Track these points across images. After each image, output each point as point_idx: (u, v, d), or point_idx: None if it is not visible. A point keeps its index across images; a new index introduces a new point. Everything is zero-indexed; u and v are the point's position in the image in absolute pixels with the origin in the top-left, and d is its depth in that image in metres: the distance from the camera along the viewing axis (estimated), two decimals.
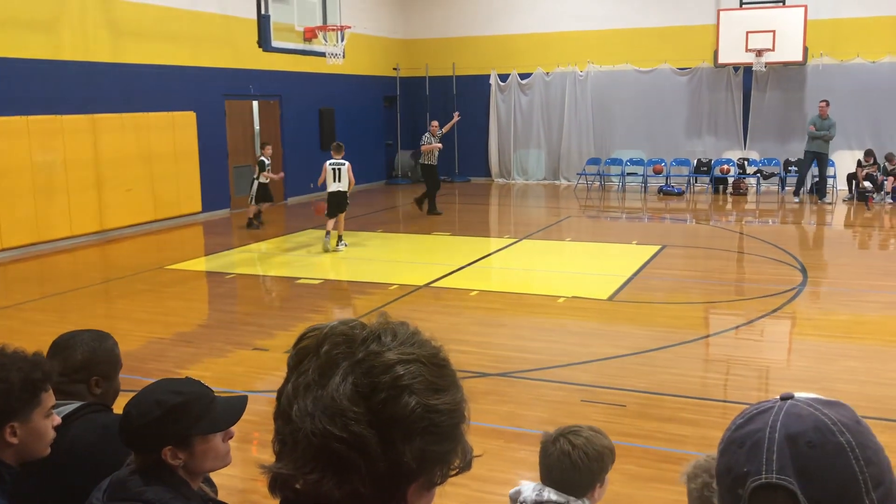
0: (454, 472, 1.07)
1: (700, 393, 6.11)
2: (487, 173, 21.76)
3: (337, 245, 11.96)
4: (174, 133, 14.48)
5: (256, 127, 17.54)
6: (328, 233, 11.92)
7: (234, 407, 2.14)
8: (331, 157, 12.23)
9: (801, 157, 17.19)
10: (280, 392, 1.05)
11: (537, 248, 12.54)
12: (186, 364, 6.83)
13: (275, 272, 11.33)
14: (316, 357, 1.03)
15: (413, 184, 21.14)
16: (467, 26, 21.24)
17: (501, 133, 21.48)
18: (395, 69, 21.81)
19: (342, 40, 13.47)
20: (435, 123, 15.98)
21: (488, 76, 21.30)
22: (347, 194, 12.11)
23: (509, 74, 21.16)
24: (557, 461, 2.47)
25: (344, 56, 13.63)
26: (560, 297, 9.02)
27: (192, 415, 2.04)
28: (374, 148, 21.15)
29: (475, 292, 9.37)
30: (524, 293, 9.58)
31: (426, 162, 15.65)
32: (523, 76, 21.09)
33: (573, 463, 2.44)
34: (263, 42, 11.87)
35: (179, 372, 6.27)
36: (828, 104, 16.65)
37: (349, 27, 13.60)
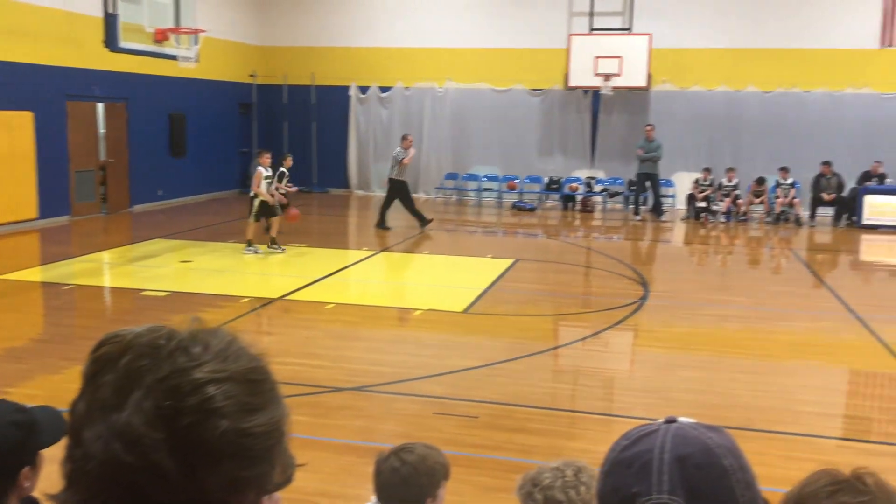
0: (272, 489, 0.96)
1: (549, 403, 6.29)
2: (346, 185, 21.64)
3: (270, 247, 12.13)
4: (9, 134, 13.50)
5: (101, 130, 16.64)
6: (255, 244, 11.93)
7: (55, 415, 1.99)
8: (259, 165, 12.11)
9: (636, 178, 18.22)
10: (73, 407, 0.92)
11: (395, 260, 12.57)
12: (15, 383, 6.34)
13: (117, 283, 10.75)
14: (114, 369, 0.91)
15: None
16: (328, 36, 21.10)
17: (361, 145, 21.43)
18: (251, 76, 21.33)
19: (196, 44, 13.06)
20: (410, 138, 15.68)
21: (348, 88, 21.22)
22: (254, 203, 12.05)
23: (369, 87, 21.17)
24: (388, 478, 2.53)
25: (197, 60, 13.21)
26: (416, 309, 9.06)
27: (42, 429, 1.91)
28: (228, 156, 20.58)
29: (331, 305, 9.25)
30: (381, 306, 9.56)
31: (397, 177, 15.30)
32: (383, 89, 21.16)
33: (403, 479, 2.50)
34: (110, 42, 11.32)
35: (6, 391, 5.80)
36: (653, 128, 17.80)
37: (203, 31, 13.21)
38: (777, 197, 17.79)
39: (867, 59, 18.38)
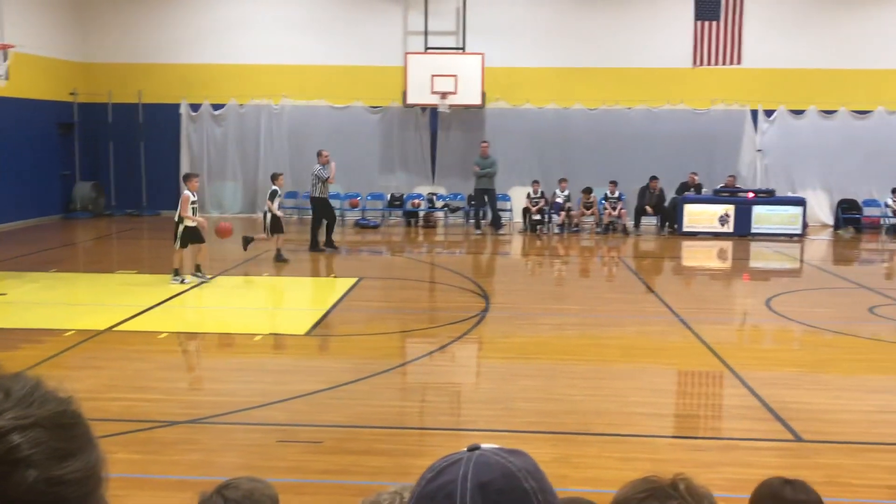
0: None
1: (396, 422, 6.24)
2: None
3: (195, 274, 11.68)
4: None
5: None
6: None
7: None
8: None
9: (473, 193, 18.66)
10: None
11: (233, 284, 12.14)
12: None
13: None
14: None
15: (94, 217, 19.51)
16: (156, 52, 20.21)
17: (194, 164, 20.61)
18: (72, 94, 20.05)
19: (5, 59, 12.10)
20: (326, 153, 15.17)
21: (178, 105, 20.41)
22: (179, 227, 11.58)
23: (201, 105, 20.46)
24: None
25: (7, 77, 12.24)
26: (256, 334, 8.77)
27: None
28: (47, 179, 19.20)
29: (164, 334, 8.79)
30: (218, 333, 9.18)
31: (319, 195, 14.85)
32: (216, 107, 20.52)
33: None
34: None
35: None
36: (488, 144, 18.38)
37: (12, 46, 12.26)
38: (605, 209, 18.74)
39: (681, 78, 19.76)
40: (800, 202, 18.25)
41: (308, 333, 8.91)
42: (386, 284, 12.42)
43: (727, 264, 15.37)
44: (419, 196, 19.94)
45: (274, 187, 13.65)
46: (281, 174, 14.53)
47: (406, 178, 20.50)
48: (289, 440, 5.70)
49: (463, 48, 19.85)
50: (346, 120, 20.30)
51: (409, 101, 19.49)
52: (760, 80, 19.87)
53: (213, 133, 20.63)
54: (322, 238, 15.13)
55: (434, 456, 4.54)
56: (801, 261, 15.79)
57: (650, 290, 11.96)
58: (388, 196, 20.07)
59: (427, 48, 19.86)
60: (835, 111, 20.06)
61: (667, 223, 18.65)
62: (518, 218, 19.17)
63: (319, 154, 15.30)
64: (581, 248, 16.94)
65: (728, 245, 16.90)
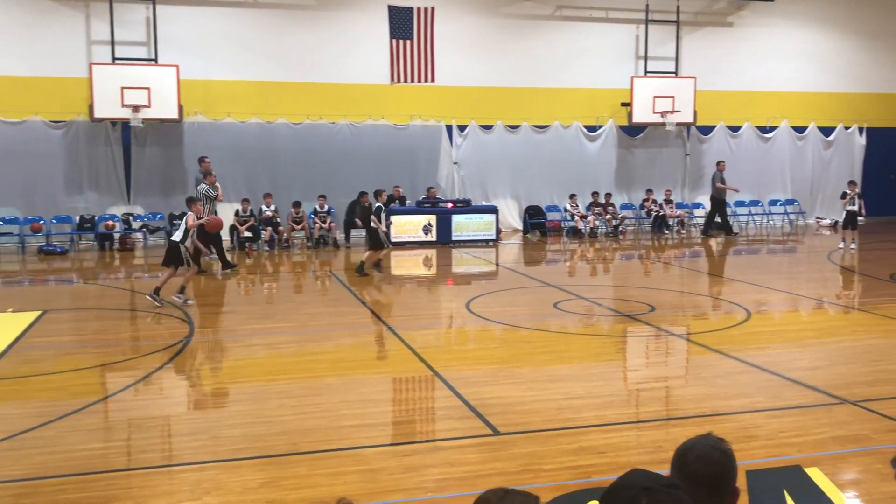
0: None
1: (85, 467, 5.64)
2: None
3: (178, 295, 11.51)
4: None
5: None
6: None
7: None
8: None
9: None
10: None
11: None
12: None
13: None
14: None
15: None
16: None
17: None
18: None
19: None
20: (212, 170, 14.83)
21: None
22: (182, 245, 11.62)
23: None
24: None
25: None
26: None
27: None
28: None
29: None
30: None
31: (207, 215, 13.88)
32: None
33: None
34: None
35: None
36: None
37: None
38: (315, 223, 18.77)
39: (381, 94, 20.40)
40: (493, 210, 19.69)
41: None
42: (77, 316, 11.32)
43: (432, 271, 16.10)
44: (114, 217, 18.53)
45: (378, 203, 14.38)
46: (384, 191, 15.05)
47: (97, 199, 18.94)
48: None
49: (155, 59, 18.81)
50: (23, 136, 18.31)
51: (97, 114, 18.06)
52: (453, 98, 21.14)
53: None
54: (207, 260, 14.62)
55: (134, 499, 4.17)
56: (497, 264, 17.02)
57: (363, 302, 12.15)
58: (77, 218, 18.40)
59: (115, 59, 18.53)
60: (518, 126, 21.92)
61: None
62: (226, 236, 18.54)
63: (208, 173, 14.95)
64: (292, 263, 16.79)
65: (432, 253, 17.74)
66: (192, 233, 11.96)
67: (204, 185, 14.83)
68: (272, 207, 18.53)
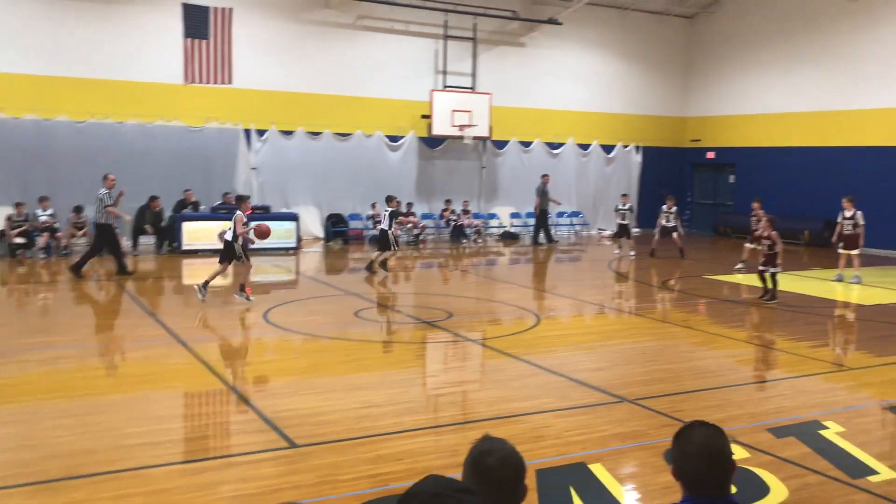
0: None
1: None
2: None
3: (239, 293, 12.11)
4: None
5: None
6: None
7: None
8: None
9: None
10: None
11: None
12: None
13: None
14: None
15: None
16: None
17: None
18: None
19: None
20: (112, 176, 14.32)
21: None
22: (235, 245, 12.14)
23: None
24: None
25: None
26: None
27: None
28: None
29: None
30: None
31: (105, 221, 14.22)
32: None
33: None
34: None
35: None
36: None
37: None
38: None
39: (174, 94, 19.45)
40: (293, 217, 19.36)
41: None
42: None
43: (227, 281, 15.51)
44: None
45: (390, 209, 15.45)
46: (395, 197, 16.12)
47: None
48: None
49: None
50: None
51: None
52: (252, 101, 20.59)
53: None
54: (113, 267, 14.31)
55: None
56: (297, 273, 16.74)
57: (152, 314, 11.47)
58: None
59: None
60: (321, 133, 21.74)
61: (165, 242, 18.19)
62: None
63: (105, 178, 14.44)
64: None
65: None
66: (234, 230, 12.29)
67: (103, 190, 14.29)
68: (49, 212, 17.08)
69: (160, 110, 19.51)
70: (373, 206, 21.42)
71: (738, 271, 16.87)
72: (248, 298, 12.14)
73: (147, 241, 18.15)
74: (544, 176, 22.69)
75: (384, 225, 15.49)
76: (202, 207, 18.84)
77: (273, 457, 5.81)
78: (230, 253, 12.29)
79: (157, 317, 11.17)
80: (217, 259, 12.69)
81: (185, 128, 19.85)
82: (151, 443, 6.08)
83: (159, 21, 19.18)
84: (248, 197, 13.55)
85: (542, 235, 22.45)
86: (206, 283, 12.29)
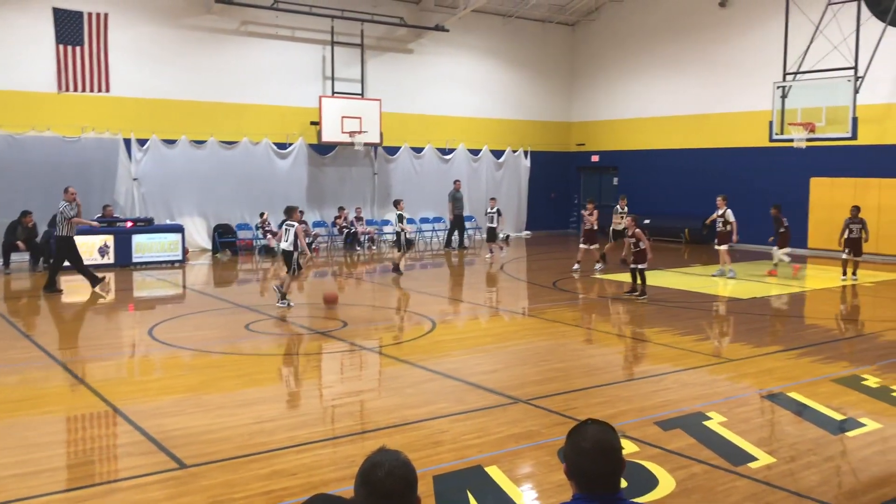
0: None
1: None
2: None
3: (281, 301, 12.58)
4: None
5: None
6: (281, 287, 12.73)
7: None
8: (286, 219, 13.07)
9: None
10: None
11: None
12: None
13: None
14: None
15: None
16: None
17: None
18: None
19: None
20: (72, 189, 14.11)
21: None
22: (294, 254, 12.71)
23: None
24: None
25: None
26: None
27: None
28: None
29: None
30: None
31: (67, 234, 14.04)
32: None
33: None
34: None
35: None
36: None
37: None
38: None
39: (47, 103, 18.52)
40: (178, 229, 18.74)
41: None
42: None
43: (110, 297, 14.83)
44: None
45: (399, 212, 17.10)
46: (402, 200, 17.74)
47: None
48: None
49: None
50: None
51: None
52: (131, 109, 19.83)
53: None
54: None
55: None
56: (184, 286, 16.19)
57: (26, 335, 10.84)
58: None
59: None
60: (205, 141, 21.15)
61: (41, 258, 17.26)
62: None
63: (66, 191, 14.15)
64: None
65: (110, 276, 16.34)
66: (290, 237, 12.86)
67: (63, 203, 14.23)
68: None
69: (32, 120, 18.52)
70: (261, 215, 20.99)
71: (598, 272, 17.14)
72: (289, 305, 12.65)
73: (19, 257, 17.16)
74: (456, 182, 23.02)
75: (396, 228, 17.33)
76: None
77: (161, 479, 5.57)
78: (289, 261, 12.86)
79: (33, 338, 10.56)
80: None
81: (59, 138, 18.91)
82: (27, 473, 5.72)
83: (30, 27, 18.22)
84: (296, 207, 13.91)
85: (454, 239, 22.85)
86: (284, 294, 12.78)
